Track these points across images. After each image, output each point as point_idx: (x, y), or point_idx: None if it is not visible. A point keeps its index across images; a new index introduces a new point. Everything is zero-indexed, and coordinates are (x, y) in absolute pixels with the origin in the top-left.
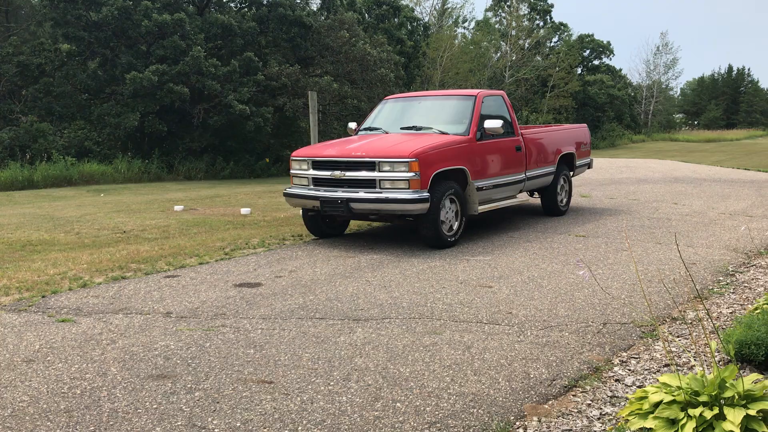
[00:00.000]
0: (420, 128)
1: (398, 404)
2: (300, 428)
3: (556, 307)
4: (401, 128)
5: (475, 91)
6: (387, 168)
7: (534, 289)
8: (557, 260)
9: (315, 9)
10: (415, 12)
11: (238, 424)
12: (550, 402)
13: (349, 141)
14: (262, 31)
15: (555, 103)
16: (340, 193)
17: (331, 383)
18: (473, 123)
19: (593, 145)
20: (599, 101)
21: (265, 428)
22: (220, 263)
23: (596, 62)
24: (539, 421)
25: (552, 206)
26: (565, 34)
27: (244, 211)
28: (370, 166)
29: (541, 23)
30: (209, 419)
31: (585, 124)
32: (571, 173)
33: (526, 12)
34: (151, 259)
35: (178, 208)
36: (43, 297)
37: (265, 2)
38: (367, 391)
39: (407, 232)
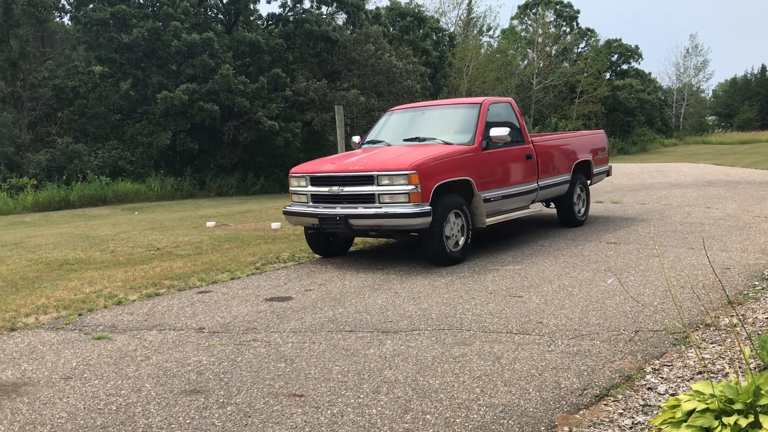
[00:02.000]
0: (423, 139)
1: (428, 416)
2: None
3: (587, 315)
4: (404, 140)
5: (480, 99)
6: (386, 181)
7: (564, 298)
8: (588, 268)
9: (341, 24)
10: (440, 23)
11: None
12: (582, 412)
13: (349, 155)
14: (289, 47)
15: (584, 109)
16: (339, 210)
17: (361, 396)
18: (478, 132)
19: (624, 150)
20: (629, 106)
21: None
22: (251, 278)
23: (625, 67)
24: (570, 431)
25: (568, 216)
26: (592, 39)
27: (275, 225)
28: (369, 180)
29: (568, 29)
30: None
31: (602, 130)
32: (589, 182)
33: (552, 19)
34: (184, 275)
35: (210, 224)
36: (80, 315)
37: (291, 19)
38: (397, 404)
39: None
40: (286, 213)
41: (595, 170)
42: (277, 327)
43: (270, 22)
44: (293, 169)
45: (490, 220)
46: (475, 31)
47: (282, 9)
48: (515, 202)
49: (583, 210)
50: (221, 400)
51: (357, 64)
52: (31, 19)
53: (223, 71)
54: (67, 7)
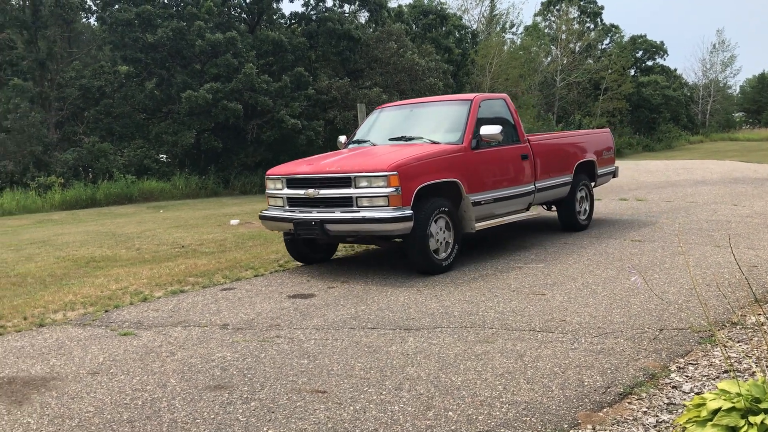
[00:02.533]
0: (410, 138)
1: (450, 413)
2: None
3: (611, 313)
4: (390, 139)
5: (471, 96)
6: (364, 184)
7: (588, 296)
8: (612, 266)
9: (363, 22)
10: (463, 20)
11: None
12: (605, 410)
13: (328, 156)
14: (312, 45)
15: (608, 106)
16: (315, 214)
17: (383, 392)
18: (468, 130)
19: (649, 148)
20: (654, 102)
21: None
22: (275, 275)
23: (650, 63)
24: (593, 429)
25: (570, 220)
26: (617, 35)
27: (234, 222)
28: (346, 182)
29: (592, 26)
30: (265, 429)
31: (608, 129)
32: (593, 183)
33: (576, 15)
34: (209, 272)
35: (233, 222)
36: (106, 311)
37: (314, 17)
38: (419, 400)
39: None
40: (262, 218)
41: (600, 171)
42: (300, 324)
43: (293, 21)
44: (269, 171)
45: (480, 225)
46: (498, 28)
47: (305, 8)
48: (509, 205)
49: (586, 213)
50: (245, 396)
51: (379, 62)
52: (58, 20)
53: (247, 70)
54: (93, 7)
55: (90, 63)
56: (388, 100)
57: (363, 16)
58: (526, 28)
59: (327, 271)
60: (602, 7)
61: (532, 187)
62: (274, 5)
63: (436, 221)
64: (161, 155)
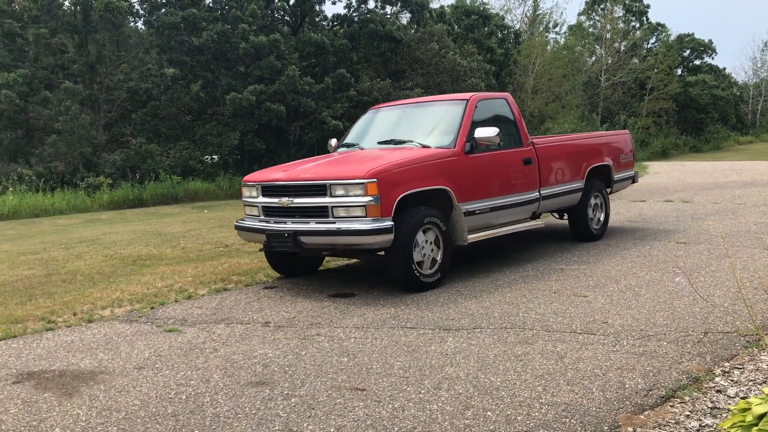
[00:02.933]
0: (400, 142)
1: (489, 413)
2: None
3: (654, 316)
4: (378, 143)
5: (466, 95)
6: (340, 192)
7: (631, 298)
8: (656, 268)
9: (405, 23)
10: (506, 20)
11: (332, 430)
12: (646, 412)
13: (307, 161)
14: (354, 47)
15: (654, 106)
16: (290, 225)
17: (422, 391)
18: (461, 133)
19: (696, 149)
20: (702, 102)
21: None
22: (316, 274)
23: (697, 62)
24: (634, 431)
25: (582, 229)
26: (663, 34)
27: None
28: (321, 190)
29: (637, 24)
30: (305, 424)
31: (626, 131)
32: (609, 189)
33: (621, 14)
34: (251, 271)
35: None
36: (152, 308)
37: (356, 19)
38: (458, 400)
39: (502, 240)
40: (237, 228)
41: (617, 176)
42: (340, 322)
43: (335, 23)
44: (245, 177)
45: (473, 237)
46: (541, 28)
47: (347, 10)
48: (509, 214)
49: (600, 222)
50: (286, 392)
51: (421, 62)
52: (107, 25)
53: (290, 72)
54: (141, 12)
55: (137, 66)
56: None
57: (405, 18)
58: (570, 28)
59: (367, 271)
60: (648, 6)
61: (536, 194)
62: (317, 7)
63: (422, 233)
64: (209, 156)
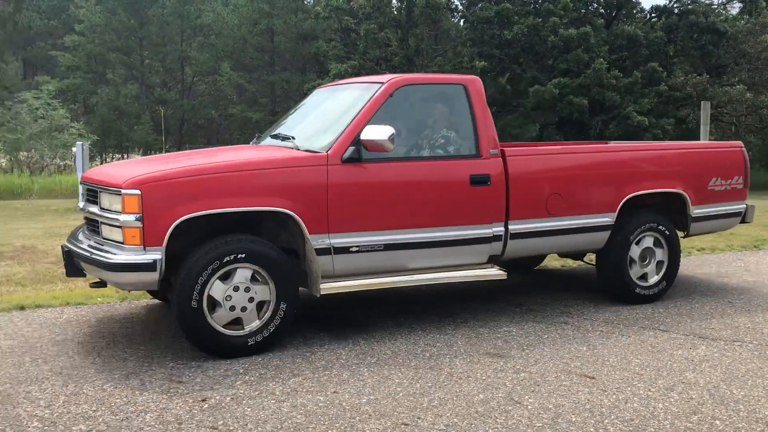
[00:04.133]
0: (285, 138)
1: (717, 421)
2: (606, 421)
3: None
4: (271, 136)
5: (386, 77)
6: (106, 203)
7: None
8: None
9: (734, 13)
10: None
11: (549, 406)
12: None
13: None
14: (670, 40)
15: None
16: (69, 241)
17: (652, 389)
18: (347, 132)
19: None
20: None
21: (573, 414)
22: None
23: None
24: None
25: (615, 282)
26: None
27: None
28: (95, 197)
29: None
30: (526, 397)
31: (738, 143)
32: (683, 233)
33: None
34: None
35: None
36: None
37: (676, 10)
38: (688, 404)
39: None
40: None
41: (699, 211)
42: (590, 315)
43: (653, 15)
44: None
45: (333, 287)
46: None
47: (668, 1)
48: (437, 256)
49: (656, 277)
50: (517, 367)
51: (747, 57)
52: (427, 20)
53: (597, 66)
54: (460, 7)
55: (452, 59)
56: (752, 99)
57: (735, 7)
58: None
59: None
60: None
61: (495, 229)
62: None
63: (223, 279)
64: None
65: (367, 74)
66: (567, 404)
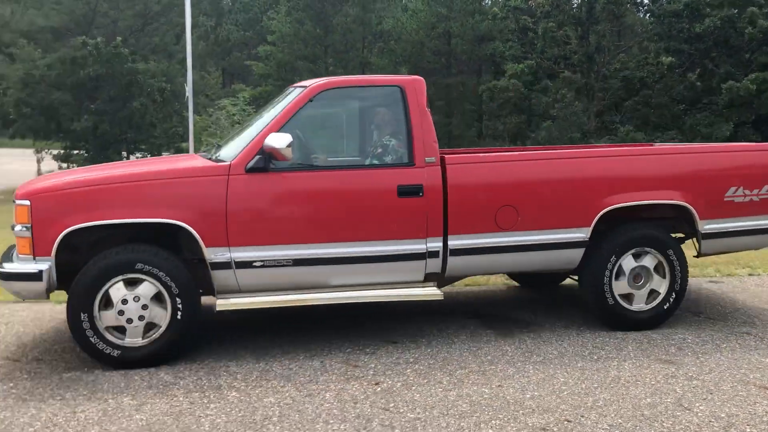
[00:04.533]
0: (219, 147)
1: None
2: None
3: None
4: (216, 146)
5: (310, 82)
6: (16, 212)
7: None
8: None
9: None
10: None
11: (722, 415)
12: None
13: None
14: None
15: None
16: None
17: None
18: (254, 140)
19: None
20: None
21: (748, 426)
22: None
23: None
24: None
25: (599, 305)
26: None
27: None
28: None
29: None
30: (697, 404)
31: (764, 144)
32: (697, 253)
33: None
34: (703, 264)
35: None
36: None
37: None
38: None
39: None
40: None
41: (707, 227)
42: None
43: None
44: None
45: (230, 303)
46: None
47: None
48: (360, 272)
49: (651, 301)
50: (690, 374)
51: None
52: (609, 16)
53: None
54: (645, 1)
55: (636, 55)
56: None
57: None
58: None
59: None
60: None
61: (432, 245)
62: None
63: (114, 293)
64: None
65: (544, 73)
66: (742, 415)
